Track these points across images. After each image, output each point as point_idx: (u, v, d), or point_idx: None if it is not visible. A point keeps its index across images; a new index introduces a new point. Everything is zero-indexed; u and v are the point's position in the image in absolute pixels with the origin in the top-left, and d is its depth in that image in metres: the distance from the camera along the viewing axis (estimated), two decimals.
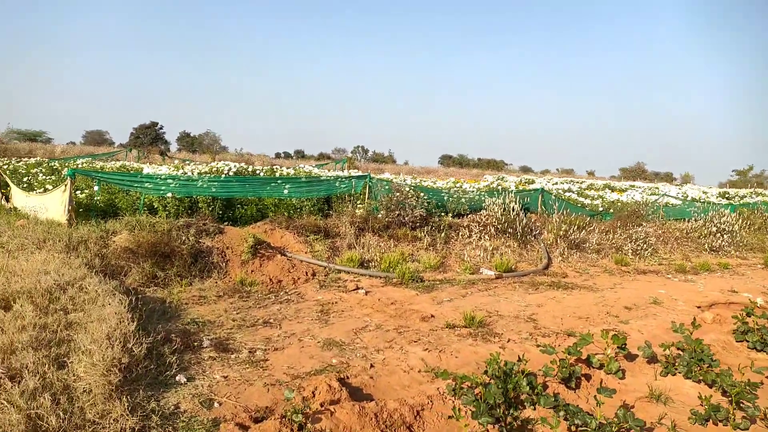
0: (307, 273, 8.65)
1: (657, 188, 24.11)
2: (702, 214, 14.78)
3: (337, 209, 11.97)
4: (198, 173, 12.60)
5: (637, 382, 4.98)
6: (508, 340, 6.02)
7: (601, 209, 14.88)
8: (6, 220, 9.39)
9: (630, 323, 6.97)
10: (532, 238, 11.40)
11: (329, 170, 32.09)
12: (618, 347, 5.22)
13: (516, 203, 11.23)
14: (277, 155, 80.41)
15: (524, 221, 10.98)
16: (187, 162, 17.06)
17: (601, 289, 8.88)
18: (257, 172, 13.64)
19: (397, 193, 10.72)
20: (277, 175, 13.64)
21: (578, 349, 4.90)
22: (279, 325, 6.20)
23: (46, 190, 10.95)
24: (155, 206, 10.34)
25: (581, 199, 16.45)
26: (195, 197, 10.53)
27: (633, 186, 27.62)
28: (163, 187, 10.18)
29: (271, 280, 8.21)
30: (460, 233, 11.20)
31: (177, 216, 10.30)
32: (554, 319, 6.95)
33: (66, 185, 8.91)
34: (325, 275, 8.73)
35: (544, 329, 6.50)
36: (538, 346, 5.85)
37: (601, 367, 5.10)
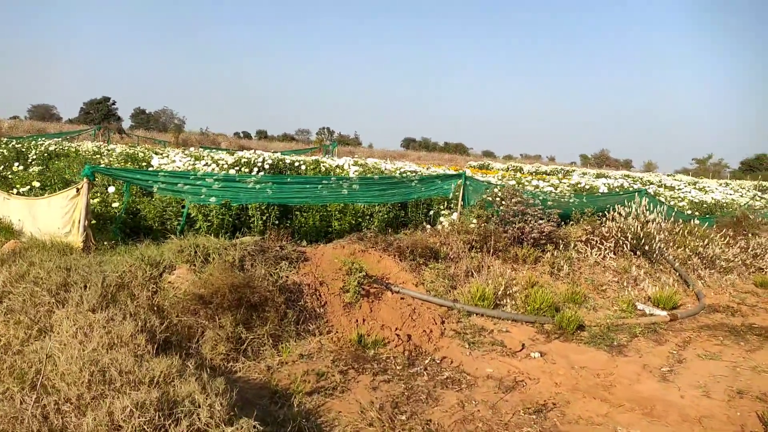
0: (434, 320, 6.13)
1: (696, 182, 22.36)
2: None
3: (413, 217, 9.42)
4: (228, 165, 9.82)
5: None
6: None
7: (689, 212, 12.78)
8: None
9: None
10: (660, 255, 9.14)
11: (316, 155, 29.17)
12: None
13: (654, 212, 8.89)
14: (237, 135, 76.54)
15: (662, 235, 8.69)
16: (208, 150, 14.07)
17: None
18: (297, 164, 10.90)
19: (513, 199, 8.22)
20: (322, 168, 10.96)
21: None
22: None
23: (32, 189, 7.96)
24: (192, 215, 7.58)
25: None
26: (244, 203, 7.82)
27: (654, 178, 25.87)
28: (203, 190, 7.41)
29: (398, 336, 5.66)
30: (577, 249, 8.84)
31: (221, 230, 7.60)
32: None
33: (80, 189, 6.06)
34: (457, 321, 6.24)
35: None
36: None
37: None
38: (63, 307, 4.46)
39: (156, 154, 11.66)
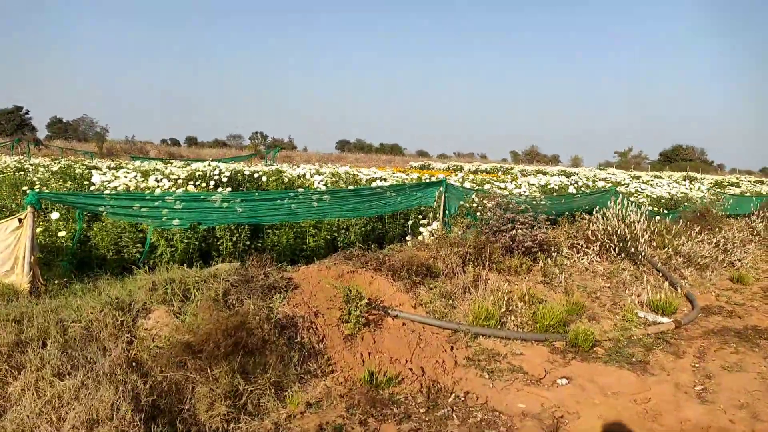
0: (443, 347, 5.57)
1: (639, 176, 22.94)
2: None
3: (391, 229, 8.83)
4: (182, 180, 8.86)
5: None
6: None
7: (649, 207, 12.81)
8: None
9: None
10: (644, 258, 8.98)
11: (257, 163, 27.98)
12: None
13: (639, 213, 8.70)
14: (165, 142, 73.42)
15: (646, 236, 8.51)
16: (140, 159, 12.83)
17: None
18: (256, 175, 10.05)
19: (503, 207, 7.76)
20: (286, 178, 10.17)
21: None
22: None
23: None
24: (153, 240, 6.66)
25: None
26: (213, 224, 6.97)
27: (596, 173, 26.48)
28: (164, 212, 6.52)
29: (410, 370, 5.05)
30: (565, 255, 8.52)
31: (186, 255, 6.73)
32: None
33: (24, 220, 5.07)
34: (466, 346, 5.70)
35: None
36: None
37: None
38: (21, 374, 3.58)
39: (92, 169, 10.46)
